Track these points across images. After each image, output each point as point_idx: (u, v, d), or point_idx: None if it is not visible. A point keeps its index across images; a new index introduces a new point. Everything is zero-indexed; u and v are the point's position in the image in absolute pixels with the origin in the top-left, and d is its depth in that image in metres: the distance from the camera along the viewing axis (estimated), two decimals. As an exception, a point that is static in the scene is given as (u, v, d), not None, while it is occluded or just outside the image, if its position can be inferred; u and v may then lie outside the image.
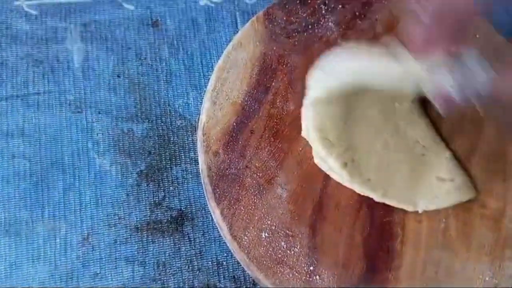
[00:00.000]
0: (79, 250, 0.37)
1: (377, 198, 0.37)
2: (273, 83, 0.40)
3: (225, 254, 0.38)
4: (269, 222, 0.37)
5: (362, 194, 0.37)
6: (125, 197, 0.39)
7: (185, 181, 0.40)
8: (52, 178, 0.38)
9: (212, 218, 0.38)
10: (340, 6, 0.43)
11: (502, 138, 0.40)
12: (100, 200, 0.38)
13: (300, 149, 0.39)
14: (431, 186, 0.38)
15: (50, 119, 0.39)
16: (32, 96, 0.40)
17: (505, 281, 0.37)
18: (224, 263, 0.38)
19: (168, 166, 0.40)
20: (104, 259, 0.37)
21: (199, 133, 0.39)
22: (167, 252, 0.38)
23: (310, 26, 0.42)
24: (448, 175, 0.38)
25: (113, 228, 0.38)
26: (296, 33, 0.42)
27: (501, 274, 0.37)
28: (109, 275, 0.37)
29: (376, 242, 0.37)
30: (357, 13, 0.43)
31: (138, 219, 0.38)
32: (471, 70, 0.31)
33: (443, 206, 0.37)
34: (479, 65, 0.31)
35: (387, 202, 0.37)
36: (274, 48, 0.41)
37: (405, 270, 0.36)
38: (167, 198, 0.39)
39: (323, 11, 0.42)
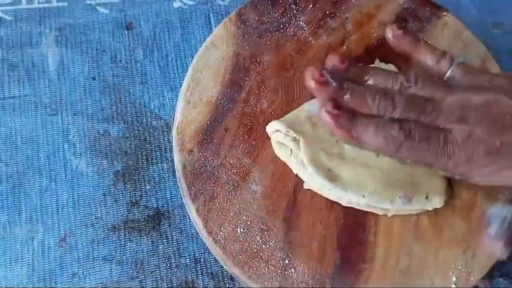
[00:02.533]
0: (56, 251, 0.38)
1: (344, 203, 0.38)
2: (246, 82, 0.41)
3: (202, 251, 0.39)
4: (244, 217, 0.37)
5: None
6: (102, 197, 0.39)
7: (162, 180, 0.40)
8: (29, 181, 0.39)
9: (188, 215, 0.39)
10: (310, 5, 0.44)
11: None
12: (77, 201, 0.39)
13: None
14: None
15: (26, 122, 0.40)
16: (7, 100, 0.40)
17: (477, 270, 0.38)
18: (202, 259, 0.39)
19: (144, 166, 0.40)
20: (82, 259, 0.37)
21: (174, 132, 0.39)
22: (145, 251, 0.38)
23: (281, 26, 0.43)
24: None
25: (91, 228, 0.38)
26: (268, 33, 0.42)
27: (474, 263, 0.38)
28: (87, 274, 0.37)
29: (350, 235, 0.38)
30: (327, 12, 0.44)
31: (115, 219, 0.39)
32: None
33: (413, 212, 0.38)
34: None
35: (356, 207, 0.38)
36: (247, 47, 0.42)
37: (379, 261, 0.37)
38: (144, 197, 0.40)
39: (294, 11, 0.43)
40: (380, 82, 0.35)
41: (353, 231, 0.38)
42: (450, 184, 0.39)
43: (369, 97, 0.34)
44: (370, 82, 0.35)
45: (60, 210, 0.38)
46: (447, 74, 0.36)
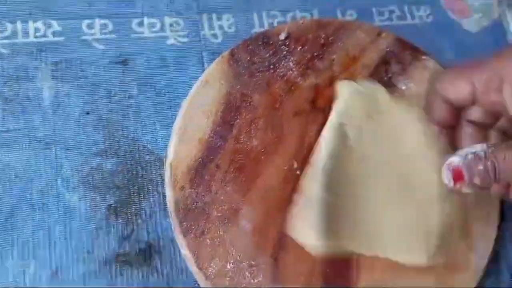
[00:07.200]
0: (48, 285, 0.38)
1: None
2: (237, 120, 0.43)
3: (191, 285, 0.40)
4: (234, 253, 0.39)
5: None
6: (94, 231, 0.40)
7: (153, 214, 0.41)
8: (21, 215, 0.39)
9: (179, 250, 0.40)
10: (300, 47, 0.46)
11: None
12: (69, 235, 0.39)
13: (264, 183, 0.41)
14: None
15: (19, 156, 0.40)
16: (1, 134, 0.40)
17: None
18: (192, 293, 0.40)
19: (136, 200, 0.41)
20: (73, 293, 0.38)
21: (167, 168, 0.41)
22: (135, 284, 0.39)
23: (271, 66, 0.45)
24: None
25: (82, 262, 0.39)
26: (259, 73, 0.44)
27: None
28: (78, 309, 0.38)
29: (335, 270, 0.40)
30: (315, 54, 0.46)
31: (106, 253, 0.39)
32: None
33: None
34: None
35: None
36: (238, 86, 0.44)
37: (362, 295, 0.39)
38: (135, 231, 0.40)
39: (284, 52, 0.45)
40: None
41: (337, 267, 0.40)
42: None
43: None
44: None
45: (52, 244, 0.39)
46: None
